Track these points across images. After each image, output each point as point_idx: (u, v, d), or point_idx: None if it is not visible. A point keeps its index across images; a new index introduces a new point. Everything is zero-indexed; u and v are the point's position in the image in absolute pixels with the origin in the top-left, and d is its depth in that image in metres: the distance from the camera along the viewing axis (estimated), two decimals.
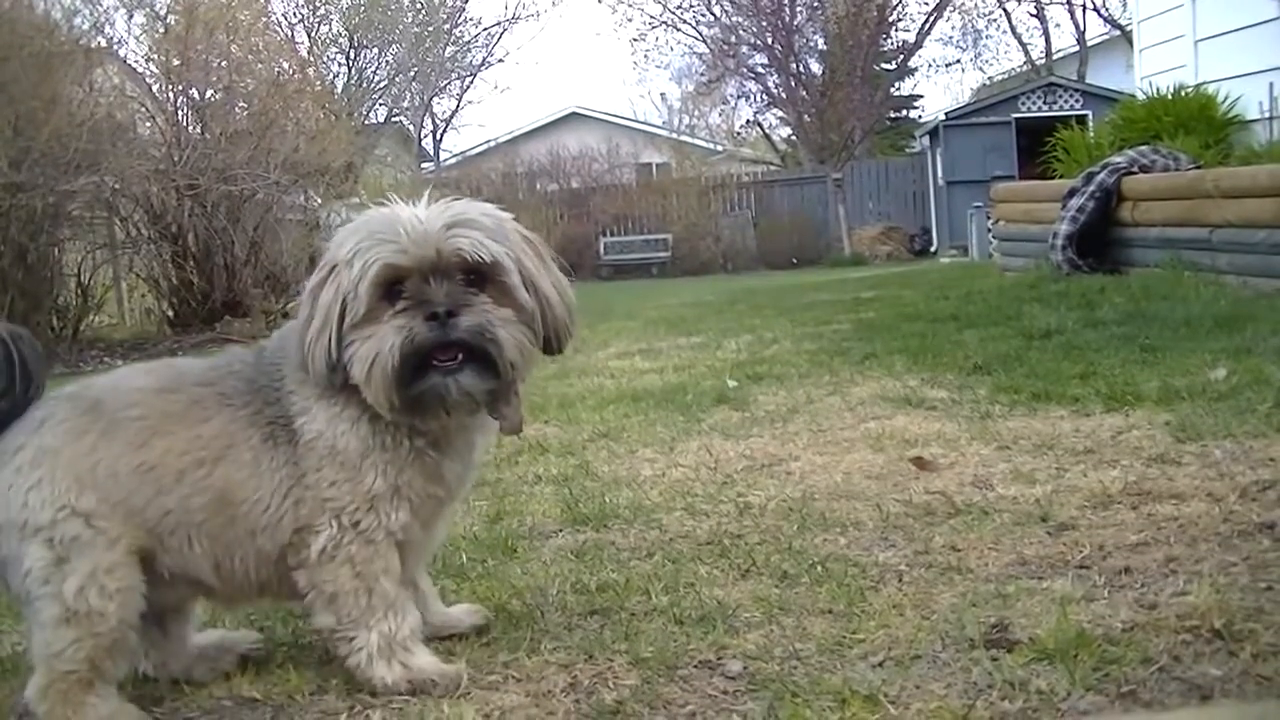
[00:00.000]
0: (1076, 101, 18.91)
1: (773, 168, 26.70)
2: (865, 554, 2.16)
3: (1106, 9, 25.75)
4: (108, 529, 1.66)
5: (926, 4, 26.32)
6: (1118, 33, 23.74)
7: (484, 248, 1.69)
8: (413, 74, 29.14)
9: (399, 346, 1.65)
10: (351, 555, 1.72)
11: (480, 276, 1.71)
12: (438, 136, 32.20)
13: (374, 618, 1.73)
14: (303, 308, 1.76)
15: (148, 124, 12.88)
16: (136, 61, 13.76)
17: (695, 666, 1.70)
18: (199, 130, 12.67)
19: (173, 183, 11.82)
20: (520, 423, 1.82)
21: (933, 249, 19.81)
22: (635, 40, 30.81)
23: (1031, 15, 27.02)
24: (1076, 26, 26.07)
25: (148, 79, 13.43)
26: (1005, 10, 26.79)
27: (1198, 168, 6.81)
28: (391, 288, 1.69)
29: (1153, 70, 9.87)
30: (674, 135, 28.14)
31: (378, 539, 1.73)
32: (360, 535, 1.72)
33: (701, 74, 27.61)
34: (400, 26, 28.74)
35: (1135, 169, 6.92)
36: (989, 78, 28.44)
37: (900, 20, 26.45)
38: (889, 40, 26.56)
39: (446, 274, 1.68)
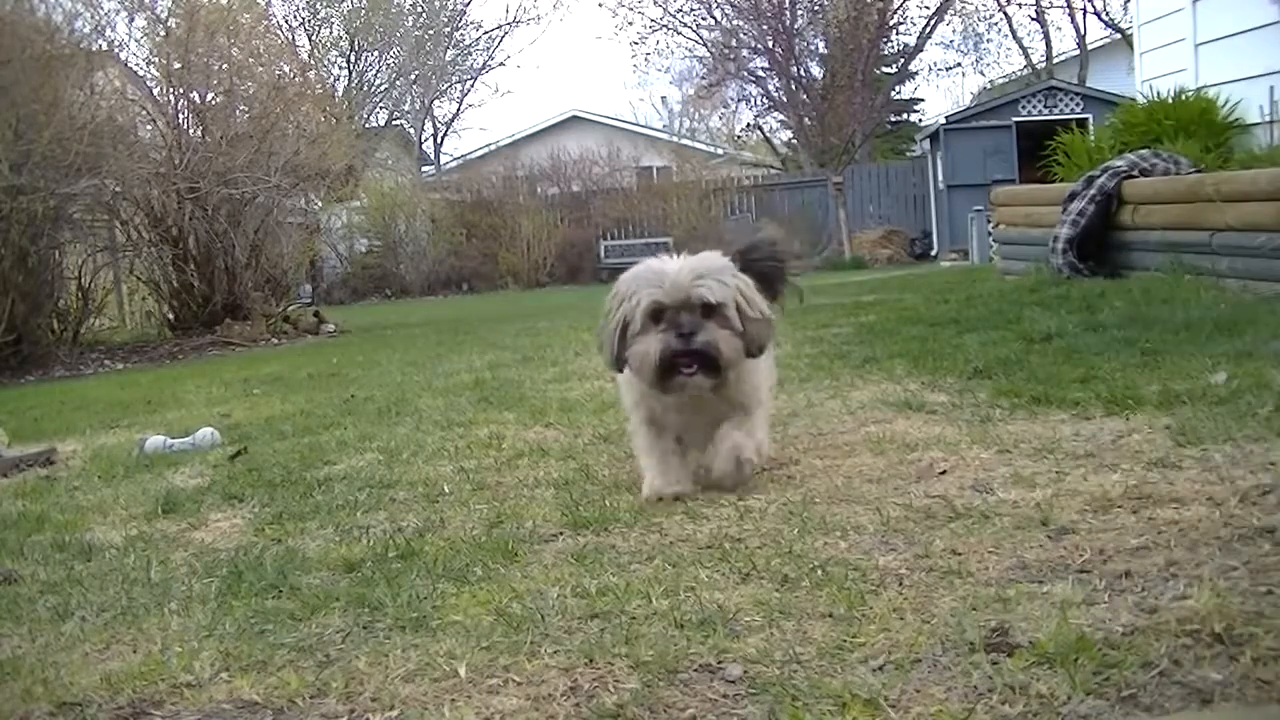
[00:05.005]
0: (1077, 105, 18.93)
1: (773, 171, 26.71)
2: (865, 558, 2.16)
3: (1107, 13, 25.82)
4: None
5: (927, 8, 26.37)
6: (1118, 36, 23.78)
7: (715, 293, 2.65)
8: (413, 77, 29.20)
9: (658, 353, 2.64)
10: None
11: (710, 309, 2.66)
12: (438, 140, 32.27)
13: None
14: (601, 319, 2.81)
15: (149, 127, 12.90)
16: (137, 65, 13.80)
17: (695, 670, 1.70)
18: (200, 133, 12.69)
19: (173, 186, 11.84)
20: (735, 396, 2.81)
21: (933, 253, 19.82)
22: (635, 44, 30.94)
23: (1032, 19, 27.07)
24: (1077, 30, 26.13)
25: (149, 82, 13.45)
26: (1006, 14, 26.84)
27: (1198, 171, 6.82)
28: (656, 315, 2.67)
29: (1153, 74, 9.88)
30: (674, 139, 28.15)
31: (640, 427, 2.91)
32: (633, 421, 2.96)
33: (702, 77, 27.64)
34: (401, 30, 28.81)
35: (1136, 172, 6.92)
36: (989, 81, 28.49)
37: (901, 24, 26.50)
38: (890, 44, 26.60)
39: (691, 309, 2.65)
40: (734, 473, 2.75)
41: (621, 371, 2.82)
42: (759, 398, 2.92)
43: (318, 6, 27.59)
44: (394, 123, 29.49)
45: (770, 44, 25.10)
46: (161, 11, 13.57)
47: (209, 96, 12.86)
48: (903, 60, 27.17)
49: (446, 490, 3.13)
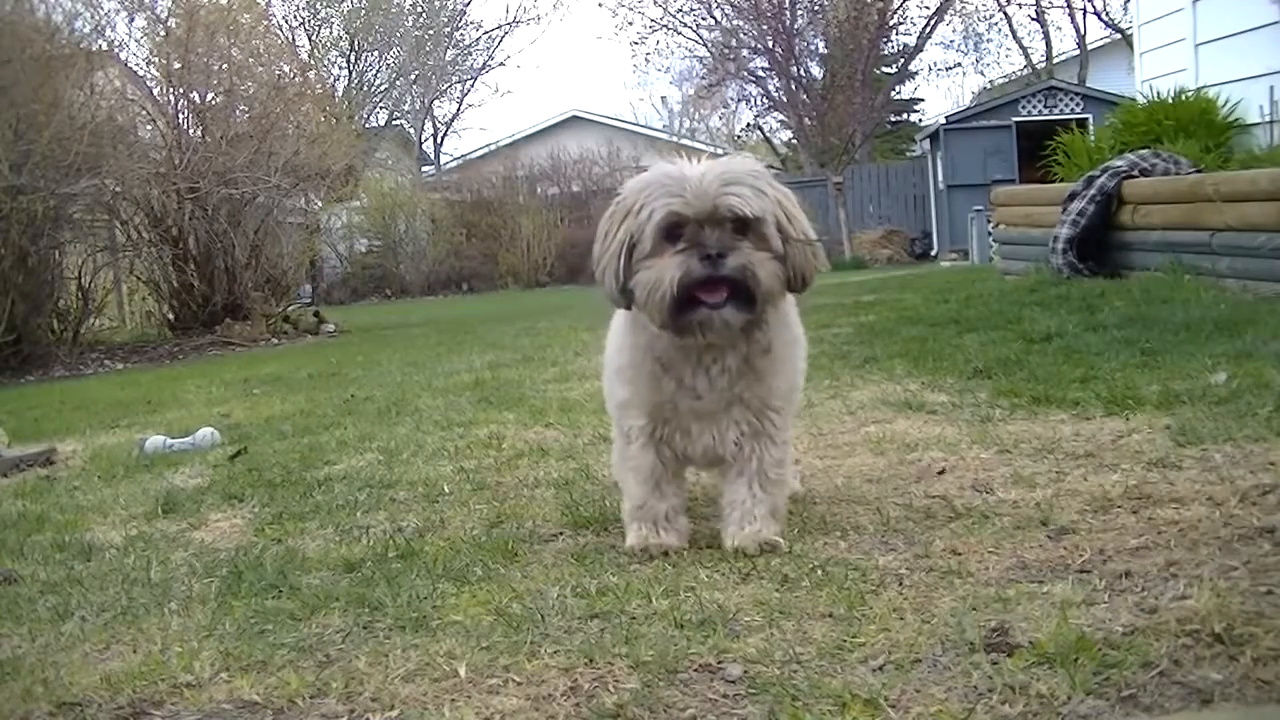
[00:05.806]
0: (1077, 105, 18.93)
1: (773, 171, 26.68)
2: (865, 558, 2.16)
3: (1107, 13, 25.81)
4: None
5: (927, 8, 26.37)
6: (1118, 36, 23.77)
7: (750, 204, 2.07)
8: (413, 77, 29.20)
9: (677, 280, 2.05)
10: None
11: (744, 225, 2.08)
12: (438, 140, 32.28)
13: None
14: (596, 243, 2.18)
15: (149, 127, 12.91)
16: (137, 65, 13.80)
17: (695, 670, 1.70)
18: (200, 133, 12.70)
19: (173, 186, 11.85)
20: (770, 344, 2.23)
21: (933, 253, 19.81)
22: (635, 44, 30.92)
23: (1032, 19, 27.06)
24: (1077, 30, 26.11)
25: (149, 82, 13.45)
26: (1006, 14, 26.83)
27: (1198, 171, 6.82)
28: (672, 231, 2.08)
29: (1153, 74, 9.88)
30: (674, 139, 28.14)
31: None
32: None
33: (702, 77, 27.64)
34: (401, 30, 28.81)
35: (1135, 172, 6.92)
36: (990, 81, 28.48)
37: (901, 24, 26.49)
38: (890, 44, 26.58)
39: (718, 223, 2.07)
40: (756, 549, 2.23)
41: (629, 307, 2.18)
42: (787, 390, 2.31)
43: (318, 6, 27.60)
44: (394, 123, 29.49)
45: (770, 44, 25.08)
46: (161, 11, 13.58)
47: (209, 96, 12.87)
48: (903, 60, 27.16)
49: (446, 490, 3.13)
